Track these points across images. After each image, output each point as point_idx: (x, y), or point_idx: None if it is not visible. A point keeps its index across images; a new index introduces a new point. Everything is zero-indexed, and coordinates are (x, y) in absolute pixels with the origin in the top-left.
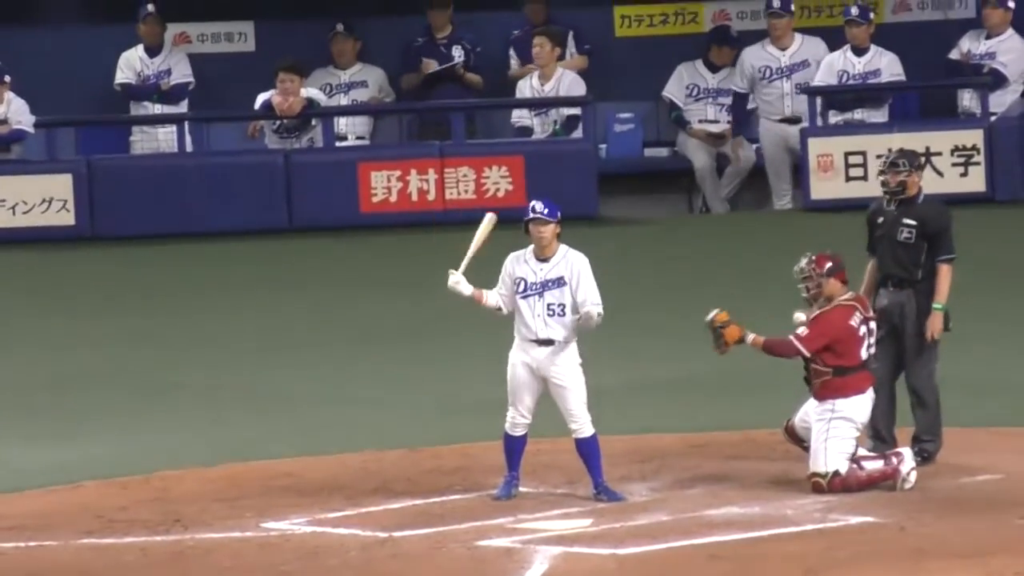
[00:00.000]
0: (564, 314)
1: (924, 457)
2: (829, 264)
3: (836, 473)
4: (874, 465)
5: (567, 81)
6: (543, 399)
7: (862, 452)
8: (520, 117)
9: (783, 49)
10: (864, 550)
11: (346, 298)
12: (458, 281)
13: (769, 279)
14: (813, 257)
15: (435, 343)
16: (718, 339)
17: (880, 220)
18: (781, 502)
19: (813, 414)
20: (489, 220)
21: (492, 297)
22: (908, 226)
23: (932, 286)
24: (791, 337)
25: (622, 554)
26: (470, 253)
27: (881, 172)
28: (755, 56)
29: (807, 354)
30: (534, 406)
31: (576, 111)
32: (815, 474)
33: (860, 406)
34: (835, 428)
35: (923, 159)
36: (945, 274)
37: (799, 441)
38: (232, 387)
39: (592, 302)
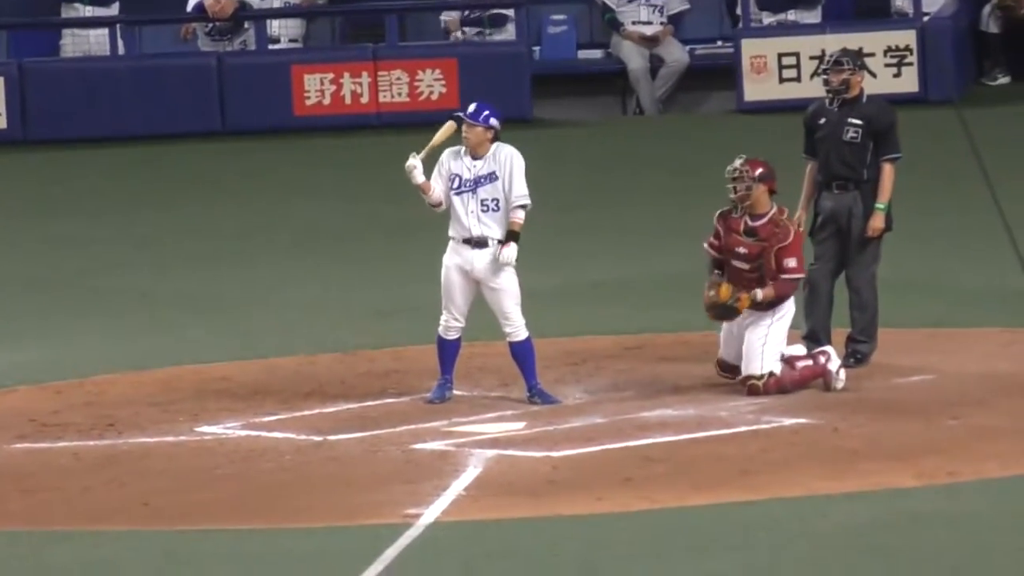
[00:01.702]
0: (498, 209)
1: (858, 359)
2: (761, 170)
3: (771, 374)
4: (804, 363)
5: None
6: (477, 302)
7: (791, 351)
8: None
9: None
10: (798, 451)
11: (280, 202)
12: (415, 166)
13: (702, 180)
14: (747, 159)
15: (369, 247)
16: (732, 312)
17: (822, 121)
18: (715, 404)
19: (748, 320)
20: (448, 127)
21: (437, 191)
22: (854, 125)
23: (877, 187)
24: (788, 276)
25: (556, 456)
26: (430, 144)
27: (824, 71)
28: None
29: (801, 277)
30: (467, 309)
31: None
32: (750, 376)
33: (792, 307)
34: (775, 331)
35: (863, 59)
36: (889, 173)
37: (734, 371)
38: (165, 292)
39: (516, 195)
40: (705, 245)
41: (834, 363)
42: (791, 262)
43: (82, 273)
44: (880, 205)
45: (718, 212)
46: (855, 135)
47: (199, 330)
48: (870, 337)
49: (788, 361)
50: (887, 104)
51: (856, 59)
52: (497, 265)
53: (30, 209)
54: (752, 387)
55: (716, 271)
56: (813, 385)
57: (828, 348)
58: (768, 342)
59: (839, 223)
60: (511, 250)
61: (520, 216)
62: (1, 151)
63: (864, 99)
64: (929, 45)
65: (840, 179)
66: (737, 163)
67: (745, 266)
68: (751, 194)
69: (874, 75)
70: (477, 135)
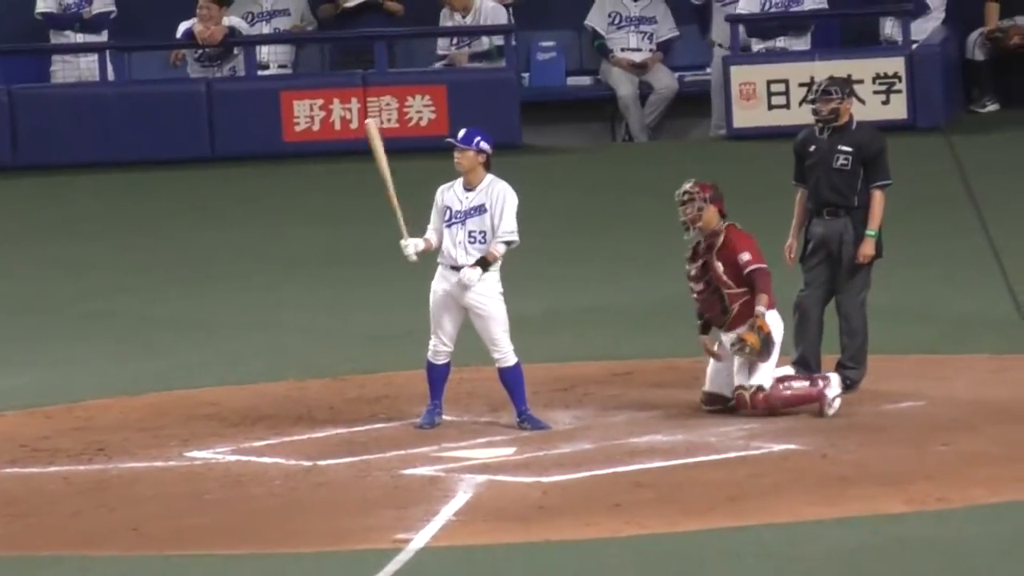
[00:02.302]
0: (485, 241)
1: (847, 385)
2: (712, 191)
3: (760, 388)
4: (800, 384)
5: (486, 10)
6: (466, 328)
7: (787, 372)
8: (443, 49)
9: None
10: (787, 477)
11: (269, 227)
12: (412, 253)
13: None
14: (696, 182)
15: (358, 272)
16: (768, 341)
17: (812, 148)
18: (705, 430)
19: (734, 339)
20: (372, 127)
21: (434, 239)
22: (844, 152)
23: (868, 213)
24: (753, 267)
25: (546, 482)
26: (394, 204)
27: (812, 100)
28: None
29: (766, 267)
30: (455, 334)
31: (500, 42)
32: (740, 387)
33: (778, 320)
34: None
35: (852, 87)
36: (879, 200)
37: (723, 400)
38: (155, 316)
39: (504, 230)
40: (693, 296)
41: (833, 390)
42: (744, 256)
43: (72, 298)
44: (871, 232)
45: (686, 256)
46: (845, 162)
47: (189, 355)
48: (859, 363)
49: (781, 380)
50: (877, 131)
51: (844, 87)
52: (480, 291)
53: (20, 234)
54: (740, 397)
55: (701, 327)
56: (803, 410)
57: (831, 375)
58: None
59: (830, 249)
60: (473, 272)
61: (500, 249)
62: None
63: (854, 126)
64: (918, 72)
65: (830, 206)
66: (687, 186)
67: (700, 287)
68: (702, 215)
69: (863, 102)
70: (469, 160)
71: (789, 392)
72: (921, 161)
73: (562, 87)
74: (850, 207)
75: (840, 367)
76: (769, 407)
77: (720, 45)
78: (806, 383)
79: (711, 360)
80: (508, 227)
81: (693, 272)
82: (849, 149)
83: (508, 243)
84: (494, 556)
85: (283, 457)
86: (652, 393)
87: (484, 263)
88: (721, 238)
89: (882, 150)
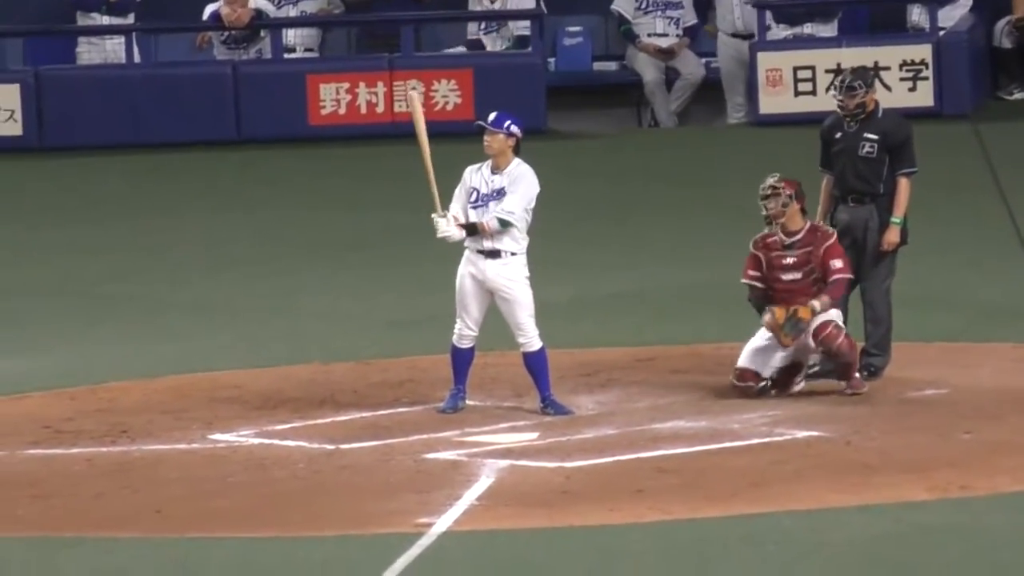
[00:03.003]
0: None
1: (871, 372)
2: (796, 188)
3: (849, 335)
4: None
5: None
6: (491, 313)
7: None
8: (472, 34)
9: None
10: (810, 464)
11: (294, 211)
12: (445, 229)
13: (716, 193)
14: (781, 177)
15: (382, 256)
16: (798, 327)
17: (838, 135)
18: (728, 416)
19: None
20: (416, 98)
21: (460, 216)
22: (870, 140)
23: (893, 200)
24: (837, 276)
25: (569, 467)
26: (430, 176)
27: (838, 96)
28: None
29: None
30: (481, 319)
31: (526, 32)
32: (836, 323)
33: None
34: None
35: (874, 74)
36: (905, 187)
37: (755, 378)
38: (180, 299)
39: (504, 207)
40: (745, 281)
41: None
42: (837, 263)
43: (96, 280)
44: (896, 219)
45: (752, 241)
46: (871, 150)
47: (212, 338)
48: (884, 351)
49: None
50: (903, 118)
51: (867, 79)
52: (506, 275)
53: (45, 216)
54: (833, 332)
55: (769, 311)
56: (829, 392)
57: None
58: (834, 316)
59: (855, 236)
60: (455, 230)
61: (492, 224)
62: (17, 158)
63: (880, 113)
64: (945, 59)
65: (856, 193)
66: (770, 181)
67: (797, 276)
68: (786, 211)
69: (888, 88)
70: (499, 143)
71: (853, 349)
72: (947, 148)
73: (588, 72)
74: (875, 194)
75: (864, 354)
76: (847, 352)
77: (723, 32)
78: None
79: (755, 338)
80: (509, 206)
81: (790, 261)
82: (875, 137)
83: (503, 221)
84: (516, 541)
85: (306, 440)
86: (675, 379)
87: (472, 228)
88: (834, 239)
89: (908, 138)
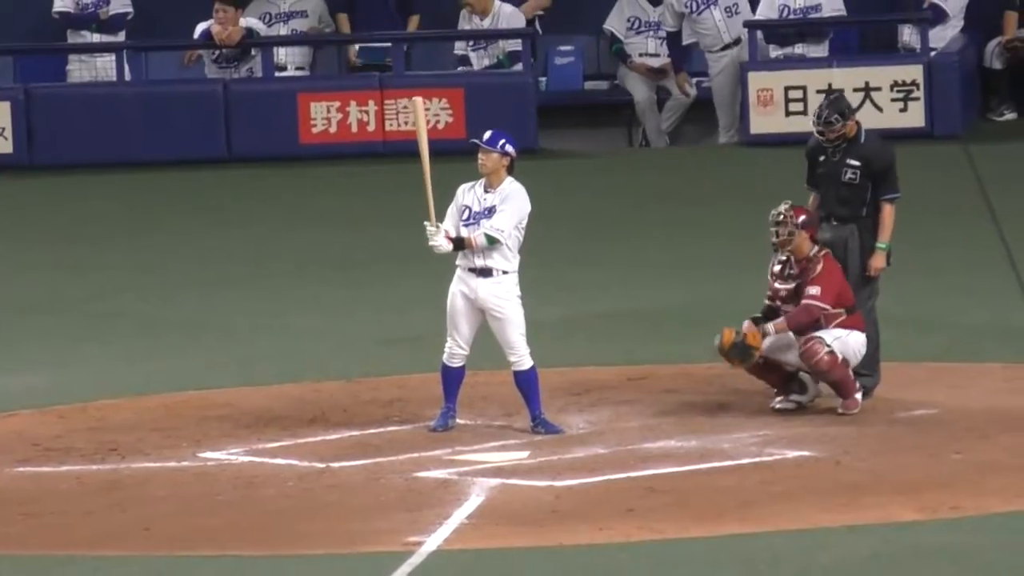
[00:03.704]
0: (500, 242)
1: (862, 393)
2: (805, 216)
3: (833, 353)
4: (851, 375)
5: (505, 15)
6: (482, 331)
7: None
8: (460, 48)
9: None
10: (800, 484)
11: (285, 229)
12: (438, 241)
13: (707, 212)
14: (792, 205)
15: (373, 274)
16: (746, 352)
17: (821, 159)
18: (718, 436)
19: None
20: (419, 104)
21: (452, 232)
22: (852, 167)
23: (875, 221)
24: (808, 302)
25: (559, 486)
26: (428, 185)
27: (817, 127)
28: None
29: (829, 310)
30: (472, 337)
31: (517, 46)
32: (820, 339)
33: (862, 341)
34: (849, 339)
35: (850, 106)
36: (889, 213)
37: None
38: (169, 317)
39: (493, 224)
40: (765, 301)
41: (860, 396)
42: (812, 290)
43: (86, 298)
44: (881, 245)
45: (772, 271)
46: (853, 176)
47: (202, 356)
48: (873, 370)
49: (846, 362)
50: (886, 142)
51: (844, 111)
52: (497, 294)
53: (35, 234)
54: (813, 347)
55: (752, 318)
56: (820, 412)
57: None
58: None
59: (835, 255)
60: (444, 241)
61: (479, 240)
62: (7, 176)
63: (863, 138)
64: (936, 80)
65: (838, 217)
66: (781, 208)
67: (828, 306)
68: (793, 240)
69: (880, 109)
70: (493, 161)
71: (848, 372)
72: (938, 169)
73: (579, 91)
74: (858, 217)
75: (854, 374)
76: (827, 370)
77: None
78: (854, 380)
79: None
80: (498, 223)
81: (784, 293)
82: (857, 164)
83: (490, 238)
84: (506, 560)
85: (296, 459)
86: (666, 398)
87: (459, 243)
88: (820, 267)
89: (891, 164)
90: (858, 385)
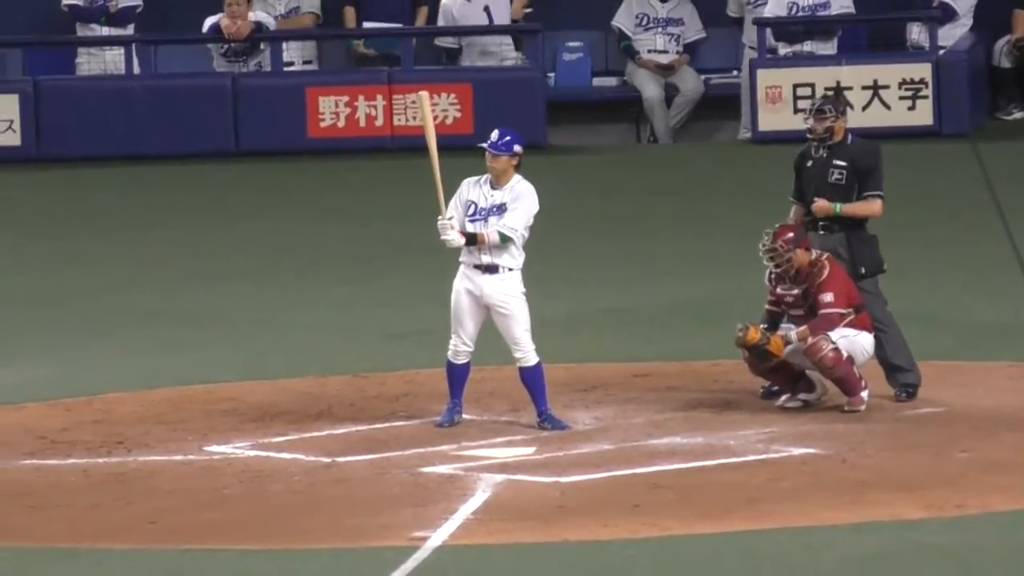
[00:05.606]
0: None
1: (909, 393)
2: (791, 235)
3: (838, 349)
4: (857, 372)
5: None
6: (487, 327)
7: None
8: (444, 40)
9: None
10: (806, 481)
11: (292, 223)
12: (451, 235)
13: (714, 209)
14: (773, 233)
15: (381, 269)
16: (763, 356)
17: (809, 163)
18: (723, 432)
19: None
20: (425, 98)
21: (458, 225)
22: (839, 167)
23: (865, 232)
24: (825, 311)
25: (565, 482)
26: (437, 178)
27: (808, 119)
28: None
29: (846, 314)
30: (476, 334)
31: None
32: (825, 338)
33: (870, 342)
34: (857, 339)
35: (845, 104)
36: (868, 203)
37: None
38: (176, 311)
39: (506, 223)
40: (788, 313)
41: (866, 394)
42: (826, 297)
43: (93, 291)
44: (838, 207)
45: (770, 276)
46: (840, 176)
47: (209, 350)
48: (910, 365)
49: (851, 359)
50: (873, 144)
51: (838, 105)
52: (503, 291)
53: (42, 227)
54: (817, 344)
55: (763, 325)
56: (826, 410)
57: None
58: (852, 337)
59: None
60: (456, 237)
61: (493, 237)
62: (15, 168)
63: (849, 141)
64: (944, 78)
65: (825, 221)
66: (767, 241)
67: (800, 312)
68: (793, 263)
69: (888, 107)
70: (503, 163)
71: (853, 369)
72: (946, 168)
73: (588, 88)
74: (846, 224)
75: (896, 370)
76: (831, 366)
77: (752, 48)
78: (860, 377)
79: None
80: (512, 222)
81: (790, 299)
82: (843, 164)
83: (503, 236)
84: (512, 555)
85: (302, 453)
86: (671, 395)
87: (472, 238)
88: (826, 272)
89: (876, 164)
90: (864, 383)
